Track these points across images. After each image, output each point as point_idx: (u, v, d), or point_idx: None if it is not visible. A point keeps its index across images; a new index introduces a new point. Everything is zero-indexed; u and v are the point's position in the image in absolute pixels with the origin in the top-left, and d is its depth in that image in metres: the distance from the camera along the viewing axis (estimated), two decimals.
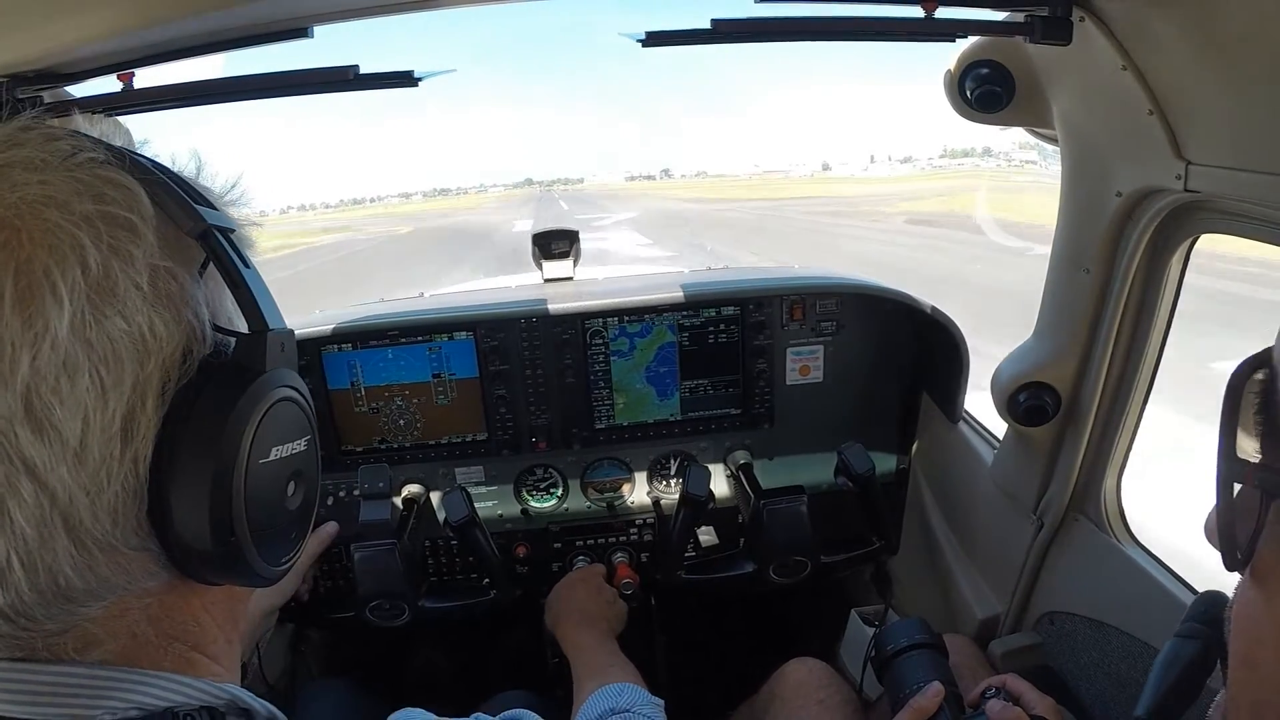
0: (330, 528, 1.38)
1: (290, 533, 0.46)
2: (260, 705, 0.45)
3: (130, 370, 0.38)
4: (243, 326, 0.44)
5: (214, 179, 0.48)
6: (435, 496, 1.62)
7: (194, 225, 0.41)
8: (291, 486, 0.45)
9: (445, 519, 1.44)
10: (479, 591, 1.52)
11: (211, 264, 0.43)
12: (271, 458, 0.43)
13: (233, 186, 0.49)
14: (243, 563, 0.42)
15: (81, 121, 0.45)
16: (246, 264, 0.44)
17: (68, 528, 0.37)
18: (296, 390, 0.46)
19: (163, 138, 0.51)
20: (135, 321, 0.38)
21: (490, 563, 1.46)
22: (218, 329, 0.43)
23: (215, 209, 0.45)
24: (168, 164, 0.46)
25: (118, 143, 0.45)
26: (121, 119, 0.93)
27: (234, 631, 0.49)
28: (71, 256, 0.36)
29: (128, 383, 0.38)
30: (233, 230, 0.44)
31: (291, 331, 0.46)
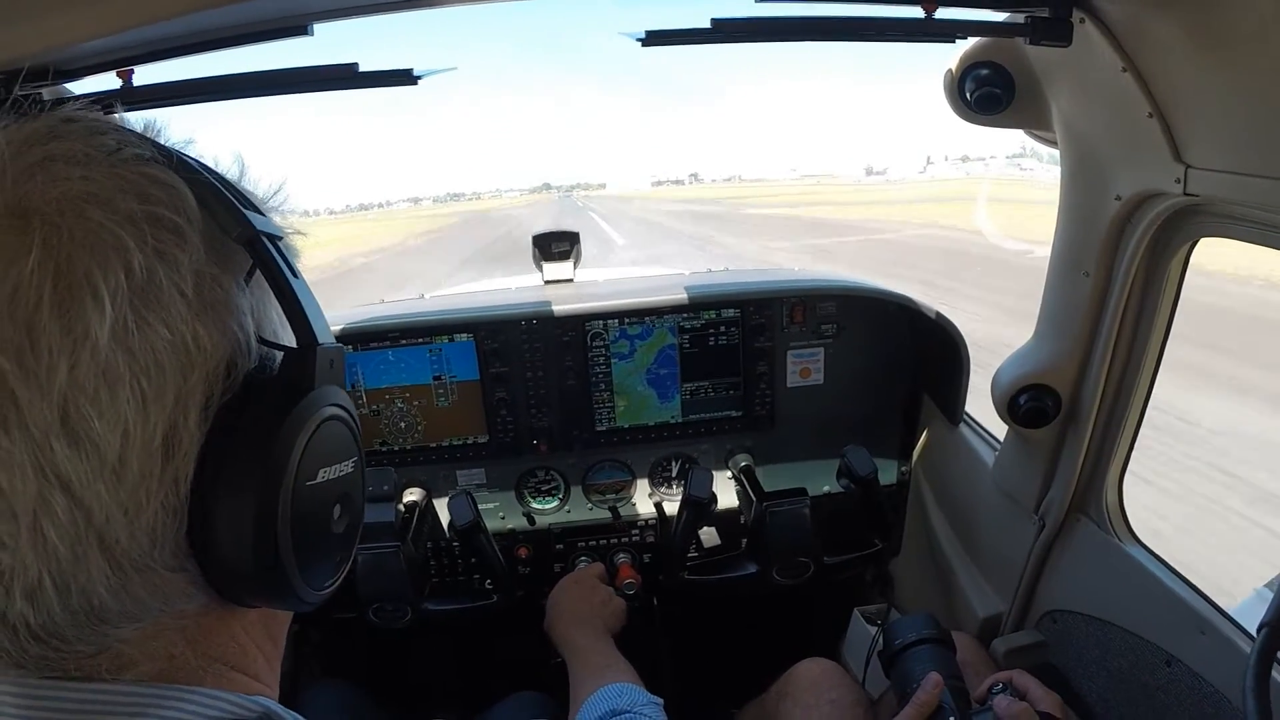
0: None
1: (334, 557, 0.44)
2: (291, 717, 0.43)
3: (173, 382, 0.36)
4: (287, 339, 0.42)
5: (257, 183, 0.46)
6: (438, 500, 1.61)
7: (242, 231, 0.39)
8: (338, 510, 0.43)
9: (450, 523, 1.43)
10: (482, 594, 1.52)
11: (257, 272, 0.41)
12: (318, 480, 0.41)
13: (276, 191, 0.47)
14: (285, 588, 0.40)
15: (124, 116, 0.43)
16: (295, 273, 0.42)
17: (103, 547, 0.35)
18: (345, 409, 0.44)
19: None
20: (179, 330, 0.36)
21: (494, 567, 1.46)
22: (263, 341, 0.41)
23: (262, 214, 0.43)
24: (211, 166, 0.44)
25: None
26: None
27: (274, 652, 0.47)
28: (114, 258, 0.34)
29: (170, 395, 0.36)
30: (280, 238, 0.43)
31: (341, 348, 0.44)
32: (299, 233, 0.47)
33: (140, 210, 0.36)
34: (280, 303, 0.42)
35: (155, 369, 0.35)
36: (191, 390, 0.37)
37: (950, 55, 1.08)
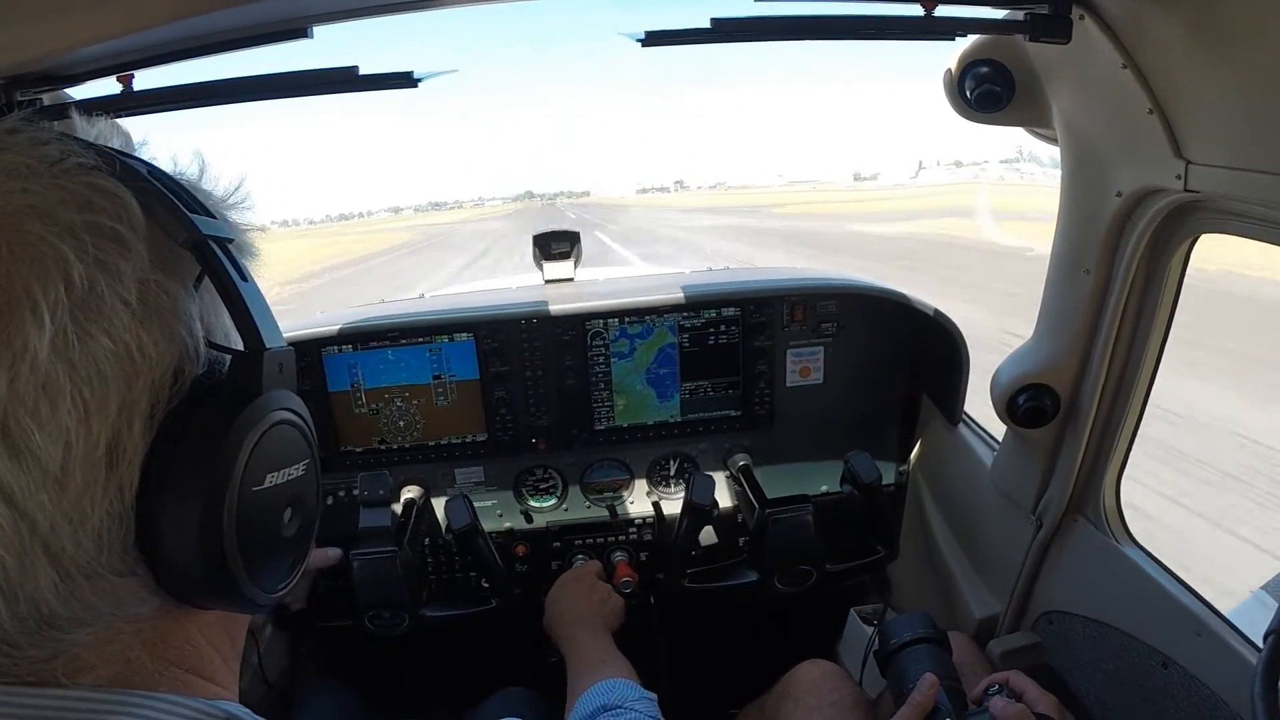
0: (333, 553, 1.36)
1: (286, 560, 0.45)
2: None
3: (116, 391, 0.36)
4: (239, 342, 0.42)
5: (216, 182, 0.46)
6: (436, 501, 1.62)
7: (188, 236, 0.39)
8: (288, 513, 0.43)
9: (447, 526, 1.44)
10: (480, 600, 1.51)
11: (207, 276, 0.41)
12: (266, 485, 0.41)
13: (235, 189, 0.47)
14: (235, 591, 0.40)
15: (79, 122, 0.43)
16: (244, 277, 0.42)
17: (50, 556, 0.35)
18: (295, 413, 0.44)
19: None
20: (122, 340, 0.36)
21: (492, 571, 1.45)
22: (212, 345, 0.41)
23: (213, 217, 0.42)
24: (169, 166, 0.44)
25: (116, 144, 0.43)
26: (120, 121, 0.93)
27: (231, 653, 0.47)
28: (54, 271, 0.34)
29: (113, 405, 0.36)
30: (230, 240, 0.42)
31: (291, 350, 0.44)
32: (257, 229, 0.47)
33: (81, 220, 0.36)
34: (227, 307, 0.42)
35: (97, 379, 0.35)
36: (136, 398, 0.37)
37: (949, 54, 1.08)
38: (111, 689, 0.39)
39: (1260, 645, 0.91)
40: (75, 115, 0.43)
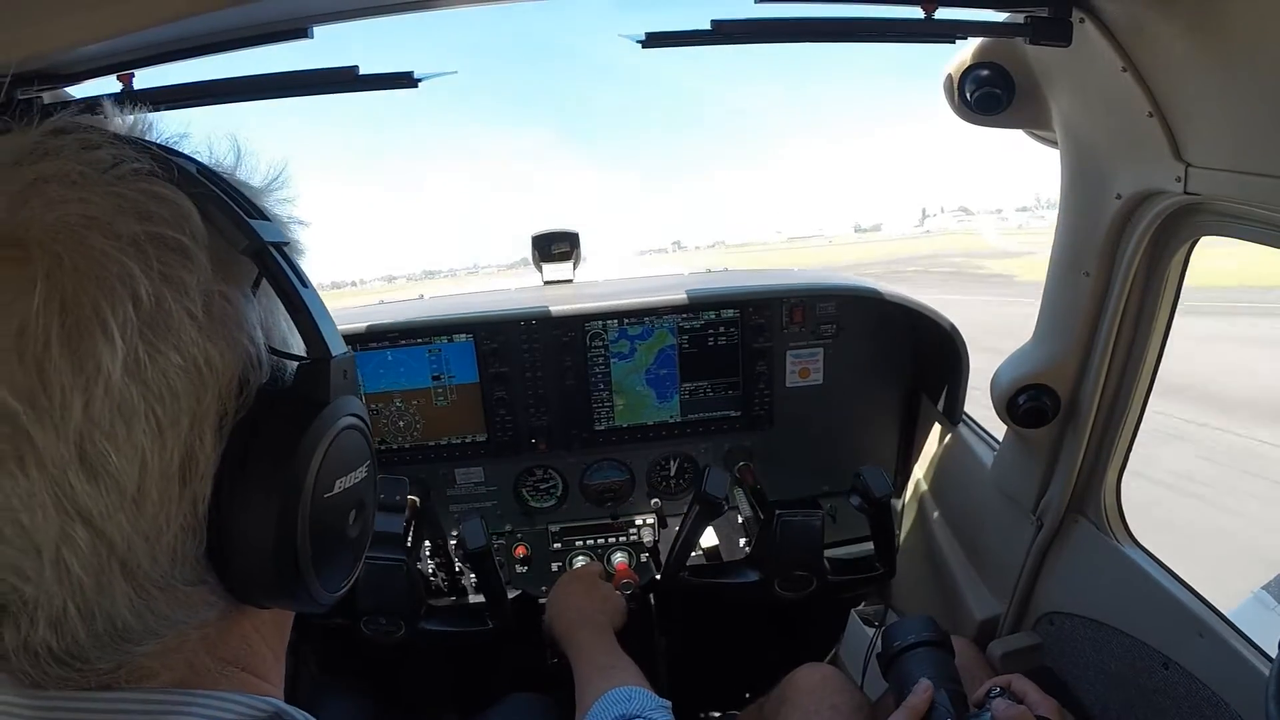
0: None
1: (349, 559, 0.45)
2: (300, 716, 0.43)
3: (187, 406, 0.35)
4: (297, 345, 0.42)
5: (254, 171, 0.45)
6: (445, 515, 1.61)
7: (249, 244, 0.39)
8: (353, 515, 0.44)
9: (460, 542, 1.43)
10: (478, 620, 1.50)
11: (264, 280, 0.40)
12: (335, 491, 0.41)
13: (276, 176, 0.45)
14: (303, 593, 0.41)
15: (116, 118, 0.41)
16: (305, 283, 0.41)
17: (125, 573, 0.35)
18: (359, 417, 0.44)
19: None
20: (190, 354, 0.35)
21: (495, 594, 1.44)
22: (274, 351, 0.40)
23: (266, 219, 0.42)
24: (204, 155, 0.43)
25: (153, 136, 0.42)
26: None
27: (280, 647, 0.48)
28: (121, 289, 0.33)
29: (185, 420, 0.35)
30: (286, 243, 0.42)
31: (353, 356, 0.43)
32: (301, 222, 0.46)
33: (143, 232, 0.35)
34: (291, 315, 0.41)
35: (169, 396, 0.35)
36: (206, 411, 0.36)
37: (949, 57, 1.08)
38: (168, 689, 0.39)
39: (1259, 645, 0.91)
40: (108, 107, 0.42)
